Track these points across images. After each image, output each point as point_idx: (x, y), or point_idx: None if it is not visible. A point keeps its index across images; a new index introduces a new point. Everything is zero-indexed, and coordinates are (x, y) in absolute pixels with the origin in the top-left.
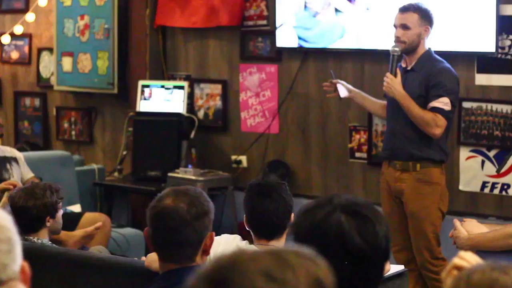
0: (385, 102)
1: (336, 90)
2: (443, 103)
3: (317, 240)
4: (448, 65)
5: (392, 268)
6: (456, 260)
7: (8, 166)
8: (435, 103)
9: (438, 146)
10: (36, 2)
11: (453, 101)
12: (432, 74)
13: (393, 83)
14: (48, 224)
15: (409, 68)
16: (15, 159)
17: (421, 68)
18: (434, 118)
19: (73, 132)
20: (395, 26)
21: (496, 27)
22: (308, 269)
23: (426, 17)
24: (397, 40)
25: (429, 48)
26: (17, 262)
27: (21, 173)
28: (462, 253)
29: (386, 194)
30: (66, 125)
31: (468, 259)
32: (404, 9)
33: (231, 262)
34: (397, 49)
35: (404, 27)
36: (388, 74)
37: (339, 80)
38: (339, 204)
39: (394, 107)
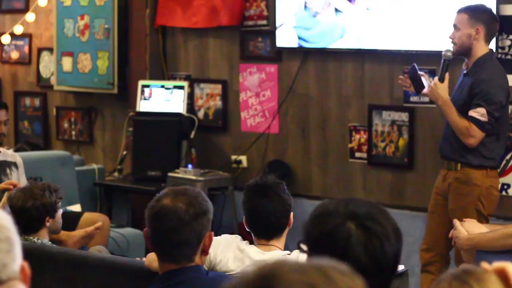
0: None
1: (411, 85)
2: (480, 113)
3: (325, 249)
4: (497, 72)
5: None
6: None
7: (8, 170)
8: (472, 113)
9: (479, 153)
10: (36, 2)
11: (491, 111)
12: (476, 82)
13: (437, 88)
14: (47, 224)
15: (465, 72)
16: (15, 164)
17: (474, 73)
18: (468, 127)
19: (73, 132)
20: None
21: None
22: (349, 286)
23: (476, 17)
24: (451, 41)
25: (490, 51)
26: (17, 261)
27: (18, 179)
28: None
29: (434, 193)
30: (66, 125)
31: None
32: (458, 10)
33: (275, 272)
34: (449, 53)
35: (455, 27)
36: (435, 78)
37: (423, 73)
38: (353, 214)
39: None
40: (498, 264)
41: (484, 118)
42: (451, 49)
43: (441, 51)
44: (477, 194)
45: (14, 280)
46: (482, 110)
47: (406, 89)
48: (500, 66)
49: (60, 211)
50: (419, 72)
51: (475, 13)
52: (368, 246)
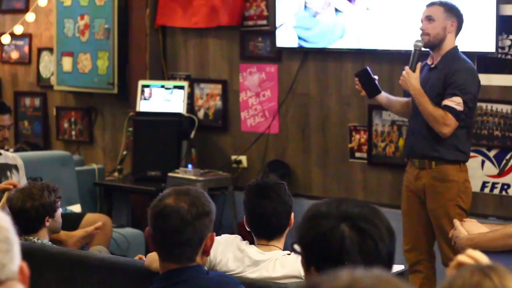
0: (407, 99)
1: (362, 89)
2: (455, 102)
3: (319, 251)
4: (469, 65)
5: (392, 268)
6: (461, 257)
7: (8, 173)
8: (447, 102)
9: (453, 146)
10: (36, 2)
11: (467, 101)
12: (450, 72)
13: (409, 77)
14: (47, 224)
15: (433, 65)
16: (16, 167)
17: (443, 66)
18: (443, 116)
19: (73, 132)
20: (421, 21)
21: (496, 27)
22: None
23: (452, 11)
24: (422, 32)
25: (456, 46)
26: (16, 262)
27: (19, 182)
28: (470, 251)
29: (406, 192)
30: (66, 125)
31: (475, 256)
32: (430, 4)
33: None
34: (420, 43)
35: (429, 18)
36: (406, 68)
37: (377, 78)
38: (346, 215)
39: (414, 104)
40: None
41: (460, 107)
42: (420, 41)
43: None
44: (456, 189)
45: (12, 280)
46: (458, 99)
47: (362, 94)
48: (470, 60)
49: (60, 211)
50: (373, 76)
51: (449, 7)
52: (362, 247)
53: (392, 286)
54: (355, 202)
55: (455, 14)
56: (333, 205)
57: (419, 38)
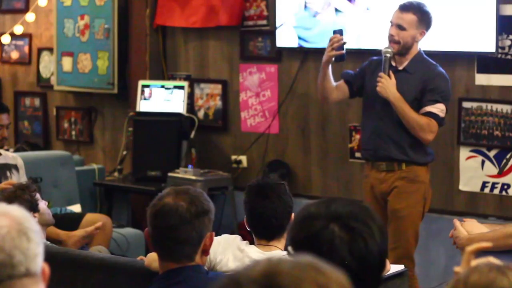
0: (336, 83)
1: (336, 48)
2: (439, 109)
3: (310, 252)
4: (442, 69)
5: (392, 268)
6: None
7: (8, 173)
8: (430, 108)
9: (423, 150)
10: (36, 2)
11: (448, 108)
12: (430, 77)
13: (388, 84)
14: (36, 219)
15: (400, 68)
16: (15, 167)
17: (414, 70)
18: (428, 123)
19: (73, 132)
20: (391, 22)
21: (496, 27)
22: (338, 279)
23: (424, 20)
24: (391, 38)
25: (420, 49)
26: (42, 258)
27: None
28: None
29: (370, 197)
30: (66, 125)
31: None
32: (404, 8)
33: (278, 269)
34: (389, 50)
35: (400, 27)
36: (382, 74)
37: (346, 42)
38: (335, 214)
39: (379, 105)
40: None
41: (443, 114)
42: (390, 47)
43: (441, 51)
44: (423, 191)
45: (38, 277)
46: (441, 106)
47: (335, 53)
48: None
49: (43, 203)
50: (344, 40)
51: (423, 15)
52: (352, 246)
53: (313, 269)
54: (345, 202)
55: (426, 23)
56: (323, 205)
57: (387, 45)
